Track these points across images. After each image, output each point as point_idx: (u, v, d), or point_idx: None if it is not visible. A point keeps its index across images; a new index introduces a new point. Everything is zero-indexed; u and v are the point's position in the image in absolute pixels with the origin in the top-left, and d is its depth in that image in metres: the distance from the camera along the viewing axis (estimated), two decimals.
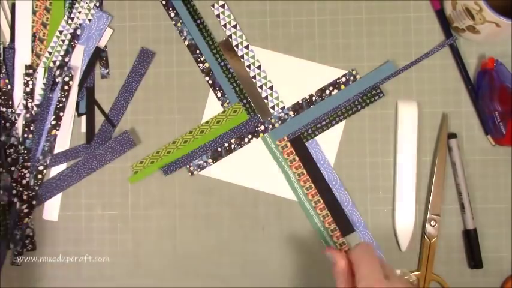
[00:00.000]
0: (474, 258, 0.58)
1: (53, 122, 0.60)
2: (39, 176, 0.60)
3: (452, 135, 0.58)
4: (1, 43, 0.61)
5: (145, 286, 0.60)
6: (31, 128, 0.60)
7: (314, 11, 0.60)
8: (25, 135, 0.60)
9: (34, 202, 0.60)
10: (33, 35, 0.61)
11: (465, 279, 0.58)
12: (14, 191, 0.60)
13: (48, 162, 0.60)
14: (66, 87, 0.60)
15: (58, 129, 0.60)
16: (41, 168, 0.60)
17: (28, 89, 0.60)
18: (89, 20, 0.60)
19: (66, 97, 0.60)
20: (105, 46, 0.61)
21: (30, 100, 0.60)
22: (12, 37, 0.61)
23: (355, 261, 0.44)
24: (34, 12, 0.61)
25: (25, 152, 0.60)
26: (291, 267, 0.59)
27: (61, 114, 0.60)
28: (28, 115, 0.60)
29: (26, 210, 0.60)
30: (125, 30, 0.61)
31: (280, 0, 0.60)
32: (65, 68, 0.60)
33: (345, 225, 0.59)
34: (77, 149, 0.61)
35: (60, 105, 0.60)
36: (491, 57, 0.57)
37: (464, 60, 0.59)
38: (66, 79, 0.60)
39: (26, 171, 0.60)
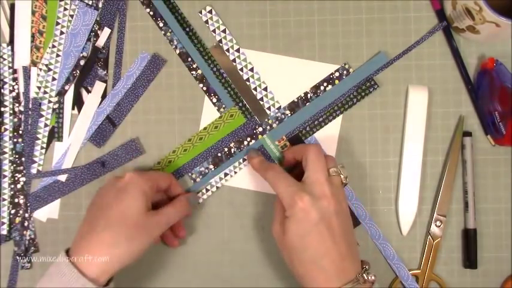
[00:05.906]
0: (469, 258, 0.58)
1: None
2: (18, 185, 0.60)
3: (467, 134, 0.58)
4: None
5: (145, 286, 0.60)
6: (20, 132, 0.60)
7: (314, 11, 0.60)
8: (15, 140, 0.60)
9: (28, 204, 0.60)
10: (32, 35, 0.61)
11: (465, 279, 0.59)
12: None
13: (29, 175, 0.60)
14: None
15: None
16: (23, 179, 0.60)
17: (14, 94, 0.60)
18: (71, 16, 0.60)
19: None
20: (103, 47, 0.61)
21: (17, 105, 0.60)
22: (11, 38, 0.61)
23: (309, 162, 0.51)
24: (33, 13, 0.61)
25: (17, 156, 0.60)
26: None
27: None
28: (16, 119, 0.60)
29: (25, 215, 0.60)
30: (125, 30, 0.61)
31: (280, 0, 0.60)
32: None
33: None
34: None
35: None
36: (491, 57, 0.57)
37: (464, 60, 0.59)
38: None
39: (19, 176, 0.60)
